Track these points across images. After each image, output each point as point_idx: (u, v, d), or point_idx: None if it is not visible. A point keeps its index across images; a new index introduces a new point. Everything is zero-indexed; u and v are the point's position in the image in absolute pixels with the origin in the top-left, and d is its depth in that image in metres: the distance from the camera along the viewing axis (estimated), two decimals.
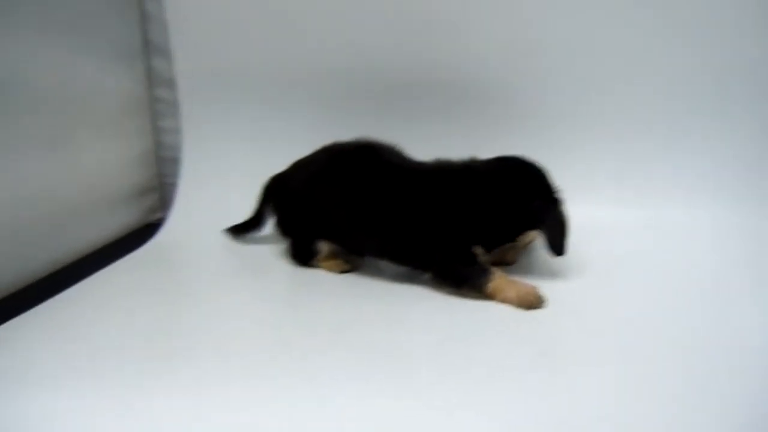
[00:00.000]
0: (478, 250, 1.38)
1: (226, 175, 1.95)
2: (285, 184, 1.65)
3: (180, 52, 2.01)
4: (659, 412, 0.94)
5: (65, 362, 1.11)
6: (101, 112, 1.80)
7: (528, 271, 1.49)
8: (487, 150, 1.48)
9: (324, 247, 1.54)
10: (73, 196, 1.67)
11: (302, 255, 1.59)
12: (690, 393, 0.98)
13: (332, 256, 1.55)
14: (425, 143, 1.54)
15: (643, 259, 1.59)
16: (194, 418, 0.95)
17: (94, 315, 1.32)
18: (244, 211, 1.76)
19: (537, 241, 1.45)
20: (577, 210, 1.71)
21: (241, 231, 1.78)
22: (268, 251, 1.70)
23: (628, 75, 1.81)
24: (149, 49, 2.02)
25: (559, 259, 1.40)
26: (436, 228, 1.39)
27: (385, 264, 1.52)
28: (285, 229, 1.64)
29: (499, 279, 1.32)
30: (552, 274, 1.48)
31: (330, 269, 1.54)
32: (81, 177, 1.70)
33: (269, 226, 1.74)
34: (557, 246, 1.38)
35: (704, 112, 1.80)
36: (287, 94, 2.00)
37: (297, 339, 1.19)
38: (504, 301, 1.31)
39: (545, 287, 1.35)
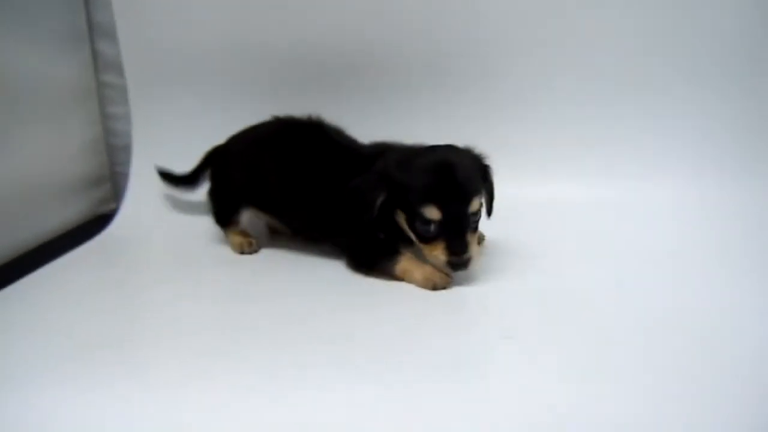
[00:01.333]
0: (383, 236, 1.37)
1: (178, 161, 1.88)
2: (225, 150, 1.67)
3: (126, 34, 1.93)
4: (625, 395, 0.93)
5: (12, 356, 1.06)
6: (46, 99, 1.72)
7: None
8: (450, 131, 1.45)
9: (243, 217, 1.59)
10: (19, 187, 1.58)
11: (223, 218, 1.62)
12: (654, 374, 0.98)
13: (244, 233, 1.61)
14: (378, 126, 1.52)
15: (605, 237, 1.58)
16: (143, 412, 0.91)
17: (43, 310, 1.27)
18: (198, 198, 1.73)
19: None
20: (541, 188, 1.76)
21: (174, 181, 1.81)
22: (225, 242, 1.65)
23: (592, 50, 1.80)
24: (94, 31, 1.94)
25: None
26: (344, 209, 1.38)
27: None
28: (215, 195, 1.65)
29: (406, 261, 1.33)
30: (518, 253, 1.46)
31: (233, 245, 1.59)
32: (26, 168, 1.62)
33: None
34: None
35: (672, 89, 1.79)
36: (239, 77, 1.94)
37: (251, 331, 1.15)
38: (411, 282, 1.32)
39: (512, 268, 1.37)
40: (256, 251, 1.59)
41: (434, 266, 1.30)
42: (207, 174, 1.72)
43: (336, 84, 1.90)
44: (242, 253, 1.57)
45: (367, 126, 1.55)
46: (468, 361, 1.03)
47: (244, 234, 1.62)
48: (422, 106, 1.88)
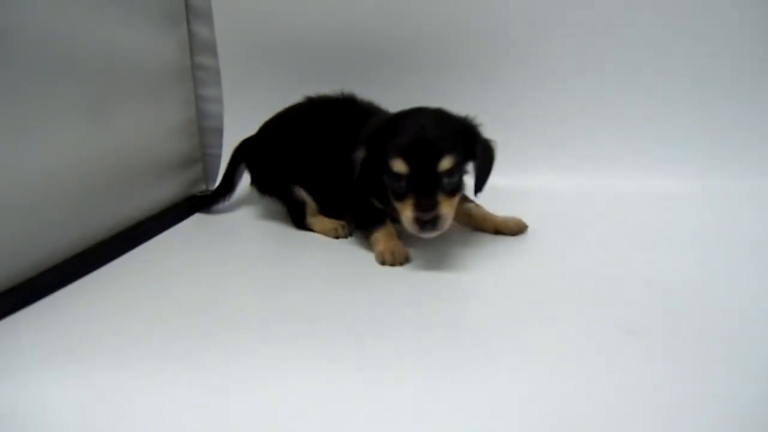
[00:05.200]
0: (376, 202, 1.43)
1: None
2: (256, 139, 1.73)
3: (221, 17, 1.95)
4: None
5: (102, 336, 1.05)
6: (144, 78, 1.73)
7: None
8: None
9: (309, 201, 1.60)
10: (118, 166, 1.59)
11: (298, 215, 1.61)
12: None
13: (321, 213, 1.61)
14: None
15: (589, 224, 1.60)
16: (241, 383, 0.88)
17: (137, 288, 1.27)
18: None
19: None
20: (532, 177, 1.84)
21: (211, 201, 1.80)
22: None
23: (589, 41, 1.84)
24: (191, 13, 1.95)
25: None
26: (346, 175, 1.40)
27: None
28: (260, 183, 1.70)
29: (380, 232, 1.40)
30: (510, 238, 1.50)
31: (325, 233, 1.56)
32: (125, 146, 1.62)
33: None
34: None
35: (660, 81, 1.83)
36: (328, 63, 1.94)
37: (343, 313, 1.12)
38: (374, 251, 1.39)
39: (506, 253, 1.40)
40: (351, 233, 1.55)
41: (397, 244, 1.37)
42: (241, 170, 1.76)
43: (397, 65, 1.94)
44: (338, 237, 1.54)
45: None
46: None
47: (329, 218, 1.59)
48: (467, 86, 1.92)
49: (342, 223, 1.56)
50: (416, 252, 1.38)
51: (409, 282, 1.26)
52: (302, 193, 1.59)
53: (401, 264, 1.33)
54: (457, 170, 1.28)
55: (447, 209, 1.26)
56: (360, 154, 1.33)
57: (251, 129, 1.94)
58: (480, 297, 1.20)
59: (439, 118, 1.32)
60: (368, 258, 1.39)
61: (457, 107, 1.83)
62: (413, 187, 1.26)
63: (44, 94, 1.33)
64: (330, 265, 1.40)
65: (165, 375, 0.93)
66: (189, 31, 1.96)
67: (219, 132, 2.02)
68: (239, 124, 1.96)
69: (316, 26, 1.92)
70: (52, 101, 1.35)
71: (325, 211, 1.60)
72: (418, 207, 1.24)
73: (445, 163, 1.24)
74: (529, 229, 1.52)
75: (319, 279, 1.31)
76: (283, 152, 1.61)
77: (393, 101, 1.71)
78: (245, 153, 1.75)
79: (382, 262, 1.33)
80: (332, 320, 1.10)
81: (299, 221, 1.61)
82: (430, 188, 1.25)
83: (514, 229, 1.51)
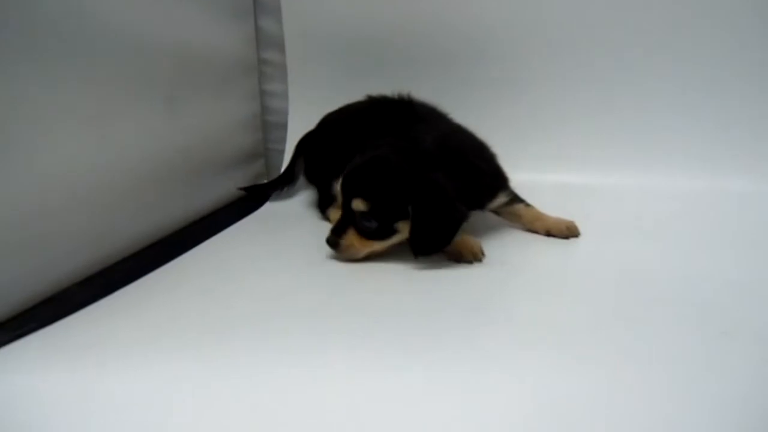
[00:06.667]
0: None
1: None
2: (313, 133, 1.77)
3: (289, 12, 1.94)
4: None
5: (176, 326, 1.06)
6: (211, 72, 1.74)
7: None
8: None
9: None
10: (183, 158, 1.59)
11: (323, 204, 1.67)
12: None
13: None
14: None
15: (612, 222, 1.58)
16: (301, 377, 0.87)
17: (209, 280, 1.27)
18: None
19: None
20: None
21: (267, 188, 1.85)
22: None
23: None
24: (258, 8, 1.95)
25: None
26: None
27: None
28: (310, 174, 1.76)
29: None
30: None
31: (333, 222, 1.55)
32: (192, 139, 1.63)
33: None
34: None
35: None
36: (399, 59, 1.91)
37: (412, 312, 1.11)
38: None
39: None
40: None
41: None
42: (301, 163, 1.80)
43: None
44: None
45: None
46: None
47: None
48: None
49: None
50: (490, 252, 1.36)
51: (483, 281, 1.25)
52: (338, 189, 1.60)
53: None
54: (374, 218, 1.28)
55: (351, 242, 1.32)
56: None
57: (315, 125, 1.96)
58: (559, 298, 1.18)
59: (390, 162, 1.29)
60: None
61: (522, 104, 1.79)
62: (342, 210, 1.35)
63: (118, 86, 1.34)
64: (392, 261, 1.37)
65: (241, 364, 0.93)
66: (256, 25, 1.96)
67: (283, 127, 2.02)
68: (303, 120, 1.96)
69: (384, 23, 1.90)
70: (126, 93, 1.37)
71: None
72: (332, 229, 1.35)
73: (356, 204, 1.29)
74: (584, 230, 1.50)
75: (378, 274, 1.30)
76: (334, 146, 1.64)
77: (459, 100, 1.69)
78: (304, 145, 1.79)
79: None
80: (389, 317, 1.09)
81: (323, 210, 1.67)
82: (346, 218, 1.33)
83: (566, 232, 1.48)
